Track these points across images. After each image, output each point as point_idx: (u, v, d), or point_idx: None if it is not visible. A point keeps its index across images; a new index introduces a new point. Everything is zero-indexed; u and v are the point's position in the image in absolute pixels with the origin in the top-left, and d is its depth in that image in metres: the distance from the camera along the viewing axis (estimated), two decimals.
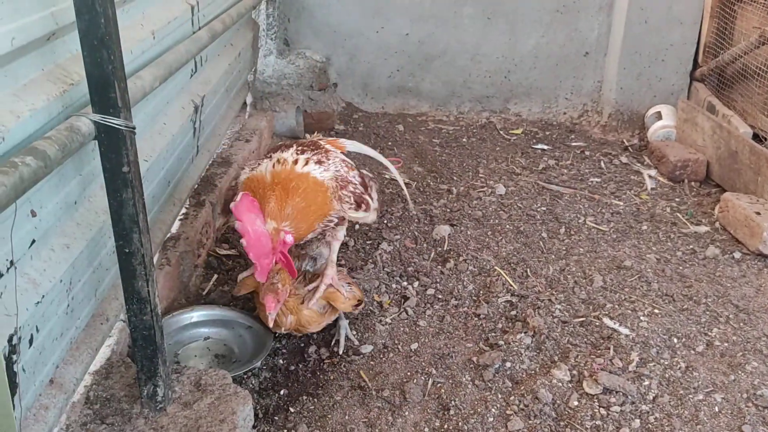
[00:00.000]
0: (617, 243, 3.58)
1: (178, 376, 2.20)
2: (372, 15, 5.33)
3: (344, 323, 2.78)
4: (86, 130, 1.65)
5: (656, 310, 2.96)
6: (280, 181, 2.51)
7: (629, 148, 5.03)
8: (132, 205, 1.77)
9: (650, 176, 4.49)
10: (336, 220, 2.61)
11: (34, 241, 1.64)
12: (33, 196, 1.63)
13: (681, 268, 3.36)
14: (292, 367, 2.61)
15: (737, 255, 3.43)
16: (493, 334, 2.82)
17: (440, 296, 3.08)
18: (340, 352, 2.70)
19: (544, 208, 3.95)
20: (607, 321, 2.87)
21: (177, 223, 3.12)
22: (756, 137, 4.36)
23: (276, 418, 2.36)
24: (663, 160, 4.50)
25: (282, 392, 2.48)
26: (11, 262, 1.53)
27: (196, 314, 2.71)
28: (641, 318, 2.90)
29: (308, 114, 5.19)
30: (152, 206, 2.65)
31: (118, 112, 1.68)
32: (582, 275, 3.25)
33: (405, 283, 3.15)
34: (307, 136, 4.84)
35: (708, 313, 2.99)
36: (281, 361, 2.64)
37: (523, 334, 2.78)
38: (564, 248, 3.52)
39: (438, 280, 3.19)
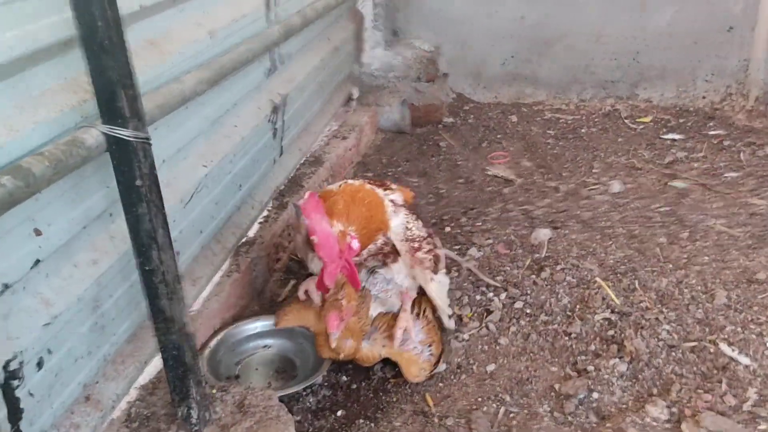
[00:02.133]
0: (752, 251, 3.05)
1: (223, 395, 2.10)
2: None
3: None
4: (93, 143, 1.55)
5: None
6: (348, 190, 2.34)
7: None
8: (148, 220, 1.66)
9: None
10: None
11: (38, 261, 1.58)
12: (38, 214, 1.57)
13: None
14: (354, 386, 2.43)
15: None
16: (582, 357, 2.48)
17: (529, 310, 2.77)
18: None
19: (666, 209, 3.48)
20: (724, 347, 2.43)
21: (256, 227, 3.04)
22: None
23: None
24: None
25: (339, 413, 2.31)
26: (5, 285, 1.46)
27: (260, 324, 2.60)
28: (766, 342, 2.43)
29: (415, 107, 4.97)
30: (216, 212, 2.57)
31: (126, 122, 1.57)
32: (702, 289, 2.79)
33: (491, 294, 2.87)
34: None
35: None
36: (344, 378, 2.47)
37: (617, 360, 2.41)
38: (685, 256, 3.06)
39: (529, 291, 2.87)
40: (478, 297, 2.86)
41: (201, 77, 2.10)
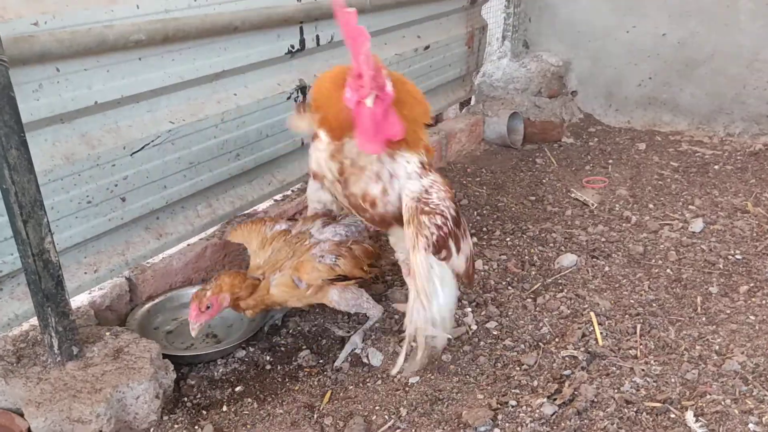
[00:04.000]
0: None
1: (109, 338, 2.13)
2: (624, 11, 4.53)
3: (356, 339, 2.38)
4: None
5: None
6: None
7: None
8: None
9: None
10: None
11: None
12: None
13: None
14: (269, 367, 2.32)
15: None
16: (516, 391, 2.10)
17: (496, 332, 2.42)
18: (336, 364, 2.31)
19: (740, 257, 2.84)
20: (689, 418, 1.90)
21: (268, 203, 3.08)
22: None
23: (203, 411, 2.11)
24: None
25: (238, 388, 2.21)
26: None
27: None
28: (750, 427, 1.85)
29: (531, 122, 4.65)
30: (192, 174, 2.61)
31: None
32: (718, 350, 2.23)
33: (468, 309, 2.56)
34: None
35: None
36: (267, 357, 2.36)
37: (546, 400, 2.00)
38: (728, 311, 2.47)
39: (509, 314, 2.52)
40: (456, 312, 2.56)
41: (142, 28, 2.17)
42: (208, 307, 2.16)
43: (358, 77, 1.82)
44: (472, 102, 4.92)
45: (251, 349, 2.39)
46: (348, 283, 2.29)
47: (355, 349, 2.36)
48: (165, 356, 2.12)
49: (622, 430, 1.89)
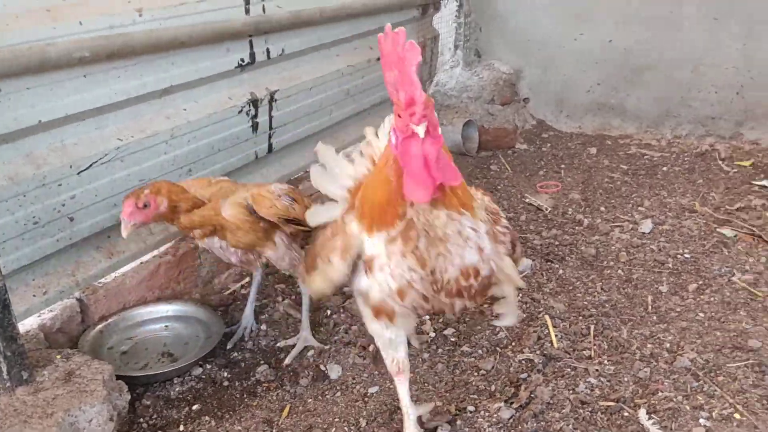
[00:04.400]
0: (765, 315, 2.44)
1: (60, 362, 2.08)
2: (571, 19, 4.63)
3: (305, 335, 2.38)
4: None
5: (738, 416, 1.91)
6: None
7: None
8: None
9: None
10: None
11: None
12: None
13: None
14: (226, 383, 2.29)
15: None
16: (474, 396, 2.12)
17: (453, 339, 2.44)
18: (285, 362, 2.31)
19: (689, 256, 2.91)
20: (642, 416, 1.94)
21: None
22: None
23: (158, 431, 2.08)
24: None
25: (195, 407, 2.18)
26: None
27: (171, 308, 2.57)
28: (702, 422, 1.90)
29: (485, 130, 4.70)
30: None
31: None
32: (669, 348, 2.28)
33: (427, 317, 2.57)
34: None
35: None
36: (225, 374, 2.34)
37: (503, 404, 2.03)
38: (678, 309, 2.53)
39: (467, 320, 2.54)
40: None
41: (86, 45, 2.14)
42: (145, 205, 2.04)
43: (407, 106, 1.43)
44: None
45: (208, 366, 2.36)
46: (299, 229, 2.25)
47: (307, 345, 2.37)
48: (119, 377, 2.08)
49: (578, 430, 1.92)
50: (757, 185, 3.75)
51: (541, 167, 4.26)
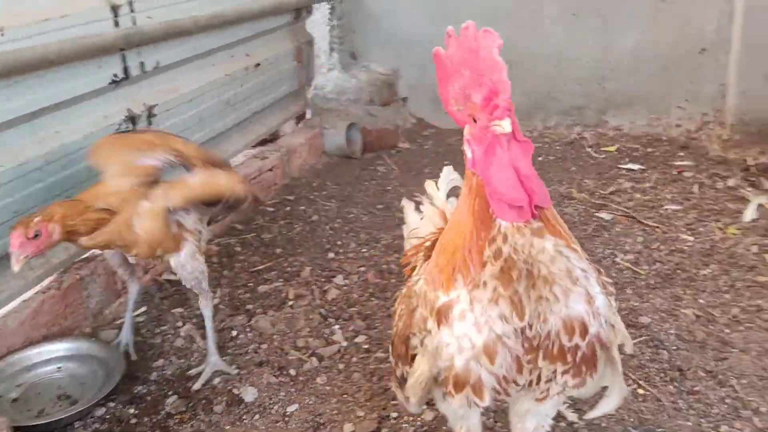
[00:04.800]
0: (651, 291, 2.64)
1: None
2: (441, 19, 4.69)
3: (213, 360, 2.31)
4: None
5: (642, 391, 2.05)
6: None
7: (750, 168, 3.88)
8: None
9: (760, 205, 3.37)
10: None
11: None
12: None
13: (727, 332, 2.35)
14: (134, 420, 2.16)
15: None
16: (393, 402, 2.13)
17: (366, 346, 2.44)
18: (194, 387, 2.22)
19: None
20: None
21: None
22: None
23: None
24: None
25: None
26: None
27: (60, 347, 2.39)
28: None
29: (368, 131, 4.72)
30: None
31: None
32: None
33: (336, 327, 2.56)
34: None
35: (727, 401, 2.01)
36: (131, 411, 2.20)
37: (426, 407, 2.05)
38: None
39: (377, 325, 2.55)
40: (325, 330, 2.55)
41: None
42: (36, 235, 1.88)
43: (487, 100, 1.20)
44: (308, 116, 4.92)
45: (112, 405, 2.22)
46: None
47: (217, 369, 2.30)
48: (16, 428, 1.91)
49: (499, 423, 1.98)
50: (624, 168, 4.04)
51: (426, 165, 4.35)
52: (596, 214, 3.36)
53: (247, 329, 2.56)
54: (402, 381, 1.47)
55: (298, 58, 4.47)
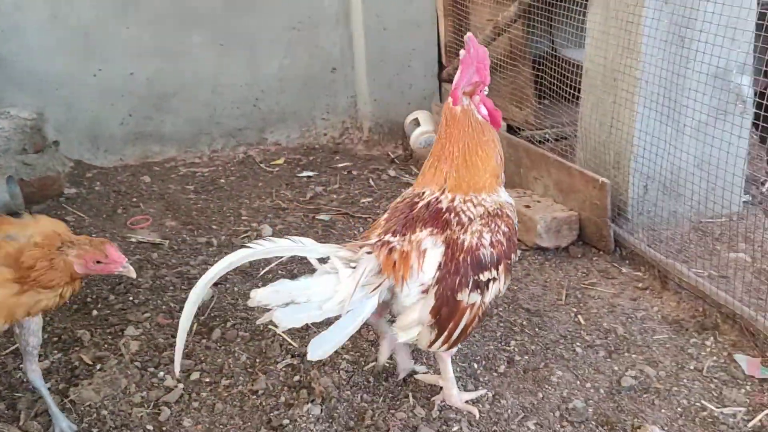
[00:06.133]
0: None
1: None
2: (83, 56, 4.60)
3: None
4: None
5: None
6: None
7: (395, 160, 4.84)
8: None
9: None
10: None
11: None
12: None
13: None
14: None
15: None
16: (276, 412, 2.32)
17: (208, 379, 2.52)
18: None
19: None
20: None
21: None
22: (510, 129, 4.35)
23: None
24: None
25: None
26: None
27: None
28: None
29: (27, 182, 4.29)
30: None
31: None
32: None
33: (162, 374, 2.54)
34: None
35: (502, 324, 2.77)
36: None
37: (310, 404, 2.31)
38: None
39: (203, 358, 2.62)
40: (151, 380, 2.50)
41: None
42: None
43: (481, 84, 2.18)
44: None
45: None
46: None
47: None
48: None
49: (372, 394, 2.36)
50: (304, 176, 4.62)
51: (114, 206, 4.23)
52: (317, 217, 3.86)
53: (72, 404, 2.36)
54: None
55: None
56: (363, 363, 2.54)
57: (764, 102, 2.70)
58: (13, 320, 2.05)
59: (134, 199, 4.32)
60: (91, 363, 2.60)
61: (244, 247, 1.94)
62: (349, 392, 2.38)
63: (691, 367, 2.48)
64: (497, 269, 2.07)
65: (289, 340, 2.69)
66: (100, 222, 3.99)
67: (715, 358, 2.52)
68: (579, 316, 2.82)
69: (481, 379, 2.44)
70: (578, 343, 2.64)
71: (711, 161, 3.12)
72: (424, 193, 2.17)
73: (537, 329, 2.72)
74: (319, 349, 1.93)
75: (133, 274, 2.13)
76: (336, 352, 2.50)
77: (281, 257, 2.06)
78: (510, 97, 4.41)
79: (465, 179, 2.12)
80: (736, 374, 2.43)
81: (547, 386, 2.40)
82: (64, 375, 2.54)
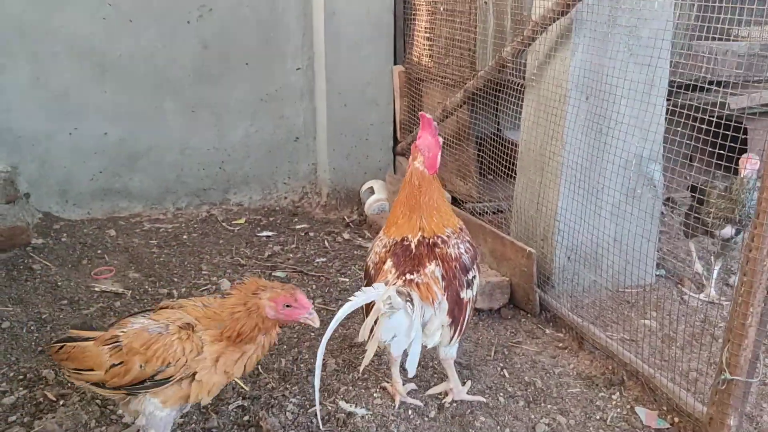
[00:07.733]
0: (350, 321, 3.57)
1: None
2: (61, 116, 4.91)
3: None
4: None
5: (389, 383, 2.96)
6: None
7: (350, 224, 5.18)
8: None
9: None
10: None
11: None
12: None
13: None
14: None
15: None
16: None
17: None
18: None
19: None
20: (343, 405, 2.79)
21: None
22: (455, 200, 4.75)
23: None
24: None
25: None
26: None
27: None
28: (375, 395, 2.87)
29: None
30: None
31: None
32: (314, 361, 3.15)
33: (120, 411, 2.76)
34: None
35: (436, 375, 3.07)
36: None
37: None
38: (296, 336, 3.41)
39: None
40: (110, 417, 2.72)
41: None
42: None
43: (434, 155, 2.75)
44: None
45: None
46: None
47: None
48: None
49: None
50: (263, 236, 4.93)
51: (80, 257, 4.46)
52: (273, 273, 4.16)
53: None
54: None
55: None
56: (308, 406, 2.81)
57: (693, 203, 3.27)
58: (228, 380, 2.31)
59: (99, 251, 4.56)
60: (54, 399, 2.82)
61: (348, 300, 2.44)
62: (292, 431, 2.64)
63: (597, 417, 2.81)
64: (474, 268, 2.73)
65: (240, 383, 2.95)
66: (66, 271, 4.21)
67: (619, 410, 2.86)
68: (504, 370, 3.14)
69: (412, 423, 2.73)
70: (501, 394, 2.95)
71: (626, 238, 3.54)
72: (407, 237, 2.70)
73: (466, 380, 3.02)
74: (413, 365, 2.50)
75: (317, 323, 2.26)
76: (283, 395, 2.80)
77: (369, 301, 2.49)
78: (456, 172, 4.83)
79: (442, 220, 2.74)
80: (636, 424, 2.76)
81: (471, 431, 2.69)
82: (29, 410, 2.74)
